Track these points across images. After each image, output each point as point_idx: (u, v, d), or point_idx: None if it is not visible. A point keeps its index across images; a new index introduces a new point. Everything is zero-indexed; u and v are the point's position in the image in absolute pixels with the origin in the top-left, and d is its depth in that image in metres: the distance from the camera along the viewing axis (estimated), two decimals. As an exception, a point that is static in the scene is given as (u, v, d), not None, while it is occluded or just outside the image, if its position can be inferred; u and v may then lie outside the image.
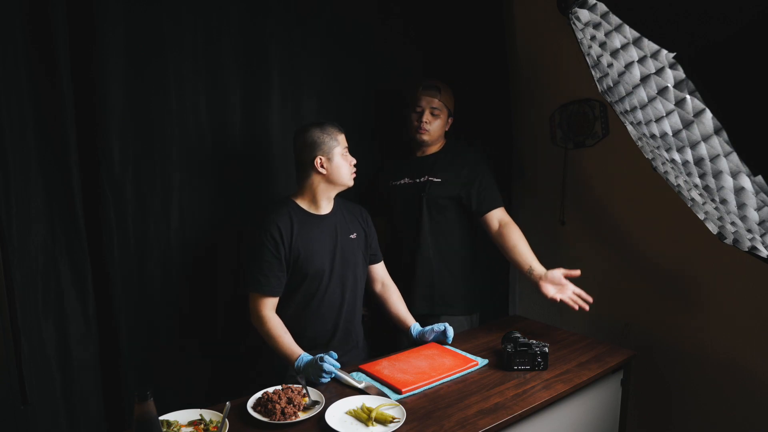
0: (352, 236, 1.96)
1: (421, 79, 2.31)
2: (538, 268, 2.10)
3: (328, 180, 1.89)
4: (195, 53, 1.97)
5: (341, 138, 1.89)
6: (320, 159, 1.86)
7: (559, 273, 2.05)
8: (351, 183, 1.94)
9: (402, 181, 2.31)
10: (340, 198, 1.98)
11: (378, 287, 2.11)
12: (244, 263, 1.99)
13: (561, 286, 2.04)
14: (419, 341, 2.02)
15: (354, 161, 1.93)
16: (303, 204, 1.91)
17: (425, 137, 2.26)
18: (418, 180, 2.27)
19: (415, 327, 2.03)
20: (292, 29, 2.18)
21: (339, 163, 1.87)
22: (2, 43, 1.57)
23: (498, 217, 2.25)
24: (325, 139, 1.86)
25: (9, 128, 1.59)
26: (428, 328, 2.00)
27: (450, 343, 1.99)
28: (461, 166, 2.27)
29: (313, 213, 1.91)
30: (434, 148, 2.33)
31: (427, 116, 2.23)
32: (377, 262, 2.11)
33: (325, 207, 1.93)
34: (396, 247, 2.33)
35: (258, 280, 1.81)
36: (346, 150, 1.91)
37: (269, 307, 1.83)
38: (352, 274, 1.96)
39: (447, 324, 2.01)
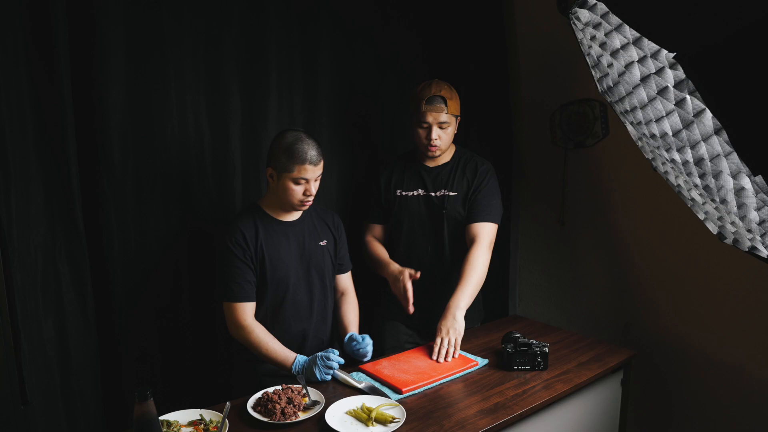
0: (321, 243, 1.89)
1: (423, 88, 2.06)
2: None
3: (275, 193, 1.80)
4: (195, 52, 1.97)
5: (301, 168, 1.71)
6: (271, 171, 1.76)
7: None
8: (296, 209, 1.82)
9: (414, 193, 2.16)
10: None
11: (336, 296, 2.02)
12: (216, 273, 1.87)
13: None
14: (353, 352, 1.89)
15: (311, 192, 1.76)
16: (269, 209, 1.83)
17: (436, 153, 2.11)
18: (434, 194, 2.14)
19: (349, 336, 1.91)
20: (293, 29, 2.18)
21: (285, 186, 1.74)
22: (2, 42, 1.57)
23: (479, 232, 2.08)
24: (281, 157, 1.71)
25: (9, 128, 1.59)
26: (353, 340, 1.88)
27: (366, 359, 1.87)
28: (471, 180, 2.16)
29: (279, 219, 1.83)
30: (445, 157, 2.18)
31: (435, 132, 2.04)
32: (344, 272, 2.01)
33: (292, 214, 1.85)
34: (404, 261, 2.14)
35: (230, 289, 1.74)
36: (305, 182, 1.74)
37: (248, 314, 1.76)
38: (321, 282, 1.88)
39: (368, 336, 1.90)
